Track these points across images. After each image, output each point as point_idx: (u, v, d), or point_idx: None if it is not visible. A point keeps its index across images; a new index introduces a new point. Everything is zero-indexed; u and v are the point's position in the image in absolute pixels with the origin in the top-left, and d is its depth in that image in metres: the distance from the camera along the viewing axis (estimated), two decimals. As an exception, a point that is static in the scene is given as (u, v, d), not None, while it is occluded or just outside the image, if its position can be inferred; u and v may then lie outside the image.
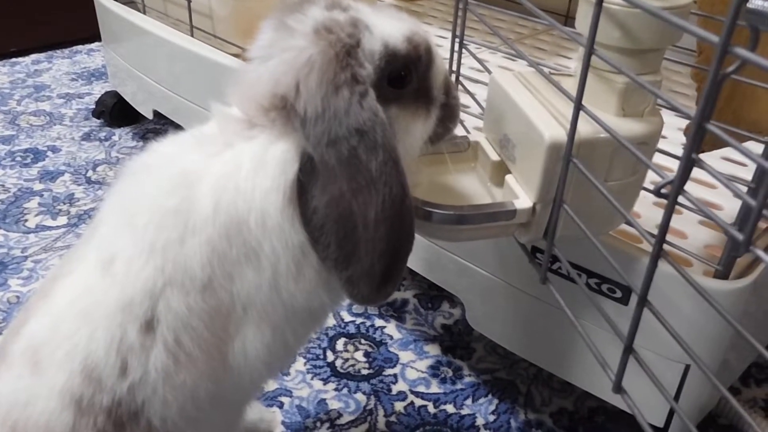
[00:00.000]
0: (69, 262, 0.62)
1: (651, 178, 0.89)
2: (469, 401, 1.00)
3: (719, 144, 0.78)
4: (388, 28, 0.59)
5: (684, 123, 0.85)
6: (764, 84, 0.65)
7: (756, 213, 0.41)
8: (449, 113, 0.65)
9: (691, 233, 0.84)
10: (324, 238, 0.57)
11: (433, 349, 1.10)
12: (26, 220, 1.42)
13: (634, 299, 0.77)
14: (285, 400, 1.00)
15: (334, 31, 0.56)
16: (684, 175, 0.48)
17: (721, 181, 0.46)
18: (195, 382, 0.58)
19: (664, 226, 0.51)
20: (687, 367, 0.76)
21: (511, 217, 0.67)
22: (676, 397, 0.78)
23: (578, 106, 0.60)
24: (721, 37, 0.42)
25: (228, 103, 0.62)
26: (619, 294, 0.78)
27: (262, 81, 0.58)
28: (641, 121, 0.65)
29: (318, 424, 0.96)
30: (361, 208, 0.55)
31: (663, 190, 0.50)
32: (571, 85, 0.63)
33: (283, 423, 0.96)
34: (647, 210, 0.88)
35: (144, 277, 0.56)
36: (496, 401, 1.00)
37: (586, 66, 0.59)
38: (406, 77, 0.60)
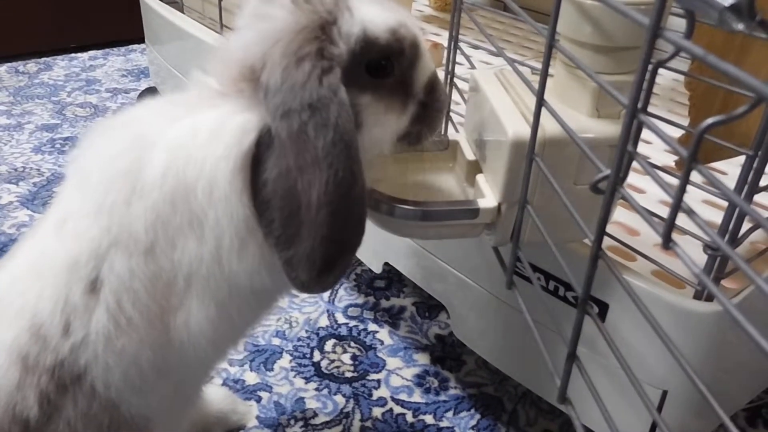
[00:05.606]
0: (37, 225, 0.63)
1: (634, 185, 0.85)
2: (450, 414, 0.96)
3: (711, 158, 0.73)
4: (371, 15, 0.58)
5: (672, 130, 0.80)
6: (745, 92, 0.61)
7: (673, 207, 0.38)
8: (428, 114, 0.63)
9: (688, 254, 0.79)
10: (269, 213, 0.55)
11: (422, 358, 1.07)
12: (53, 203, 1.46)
13: (610, 315, 0.73)
14: (264, 395, 0.99)
15: (312, 3, 0.56)
16: (619, 168, 0.45)
17: (652, 175, 0.43)
18: (135, 349, 0.58)
19: (603, 223, 0.48)
20: (664, 393, 0.72)
21: (474, 216, 0.65)
22: (654, 425, 0.74)
23: (540, 101, 0.58)
24: (651, 19, 0.40)
25: (208, 72, 0.61)
26: (596, 309, 0.74)
27: (235, 51, 0.58)
28: (616, 123, 0.62)
29: (292, 422, 0.94)
30: (305, 187, 0.53)
31: (600, 186, 0.47)
32: (549, 85, 0.61)
33: (257, 418, 0.95)
34: (646, 227, 0.83)
35: (90, 237, 0.56)
36: (478, 416, 0.96)
37: (547, 58, 0.56)
38: (387, 68, 0.59)
